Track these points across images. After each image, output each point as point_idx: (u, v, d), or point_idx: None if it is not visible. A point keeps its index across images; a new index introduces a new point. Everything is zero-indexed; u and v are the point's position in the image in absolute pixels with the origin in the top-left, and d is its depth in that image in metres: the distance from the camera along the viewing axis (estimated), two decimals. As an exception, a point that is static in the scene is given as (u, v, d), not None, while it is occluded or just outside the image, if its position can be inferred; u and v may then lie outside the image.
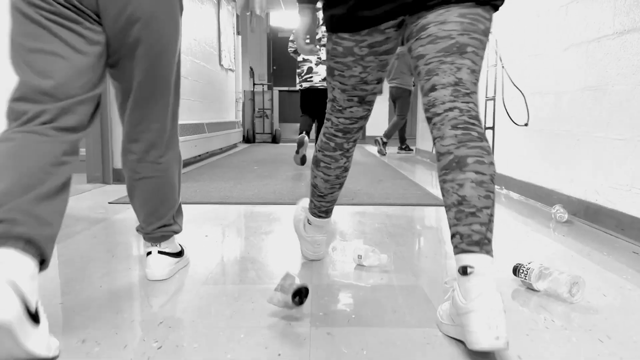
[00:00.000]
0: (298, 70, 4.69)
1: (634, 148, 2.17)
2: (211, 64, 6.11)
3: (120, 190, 3.37)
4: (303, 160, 4.54)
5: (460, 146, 1.20)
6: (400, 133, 6.91)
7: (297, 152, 4.49)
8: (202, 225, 2.38)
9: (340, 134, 1.60)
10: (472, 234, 1.14)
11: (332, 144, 1.62)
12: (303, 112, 4.77)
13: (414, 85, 6.53)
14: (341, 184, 1.71)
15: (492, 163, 1.21)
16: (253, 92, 9.14)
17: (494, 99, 3.80)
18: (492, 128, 3.83)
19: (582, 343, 1.19)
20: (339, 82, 1.48)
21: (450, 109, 1.23)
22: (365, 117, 1.57)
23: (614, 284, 1.61)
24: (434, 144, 1.28)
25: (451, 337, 1.20)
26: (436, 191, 3.51)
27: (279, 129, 9.19)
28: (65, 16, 1.22)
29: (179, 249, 1.70)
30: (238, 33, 8.12)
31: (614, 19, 2.32)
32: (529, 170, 3.19)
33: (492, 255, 1.14)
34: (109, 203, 2.92)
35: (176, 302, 1.42)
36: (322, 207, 1.74)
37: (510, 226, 2.43)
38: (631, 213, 2.18)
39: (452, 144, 1.21)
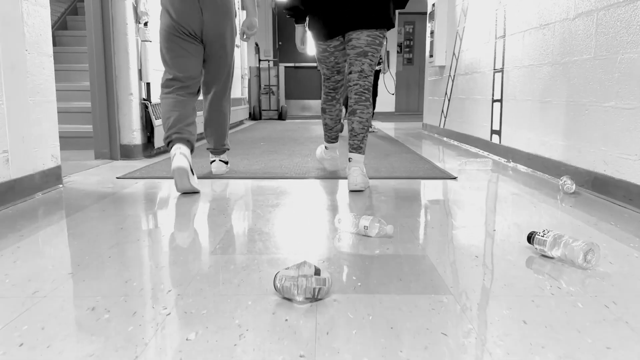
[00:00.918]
0: None
1: (644, 117, 2.14)
2: (216, 39, 6.05)
3: (128, 166, 3.39)
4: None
5: (356, 103, 2.57)
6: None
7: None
8: (210, 199, 2.39)
9: (332, 92, 2.92)
10: (354, 144, 2.57)
11: (329, 97, 2.92)
12: None
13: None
14: (339, 120, 3.02)
15: (368, 112, 2.57)
16: (259, 69, 9.08)
17: (502, 70, 3.75)
18: (500, 100, 3.79)
19: (588, 308, 1.19)
20: (324, 65, 2.81)
21: (356, 84, 2.59)
22: (342, 80, 2.87)
23: (621, 253, 1.61)
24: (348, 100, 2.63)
25: (455, 302, 1.21)
26: (443, 165, 3.50)
27: (285, 106, 9.16)
28: (187, 38, 2.59)
29: (227, 160, 3.10)
30: (242, 8, 8.02)
31: (626, -15, 2.27)
32: (537, 142, 3.16)
33: (362, 153, 2.56)
34: (117, 178, 2.94)
35: (184, 271, 1.43)
36: (331, 136, 3.08)
37: (517, 197, 2.43)
38: (640, 183, 2.17)
39: (354, 102, 2.58)
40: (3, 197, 2.19)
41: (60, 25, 6.29)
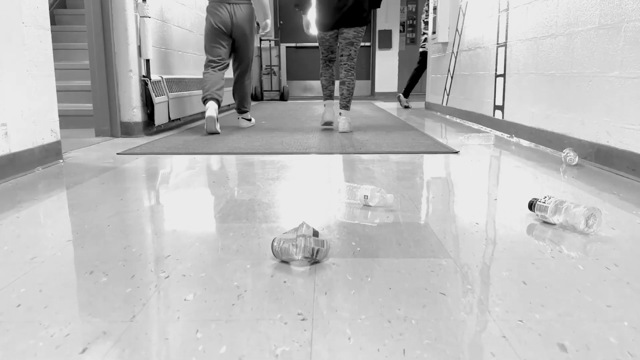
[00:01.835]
0: None
1: (648, 86, 2.11)
2: (216, 18, 5.99)
3: (129, 143, 3.38)
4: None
5: (345, 76, 3.86)
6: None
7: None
8: (210, 173, 2.38)
9: (327, 63, 4.04)
10: (342, 103, 3.90)
11: (325, 66, 4.04)
12: None
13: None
14: (332, 82, 4.07)
15: (353, 82, 3.87)
16: (260, 49, 9.00)
17: (505, 45, 3.71)
18: (503, 75, 3.75)
19: (589, 270, 1.19)
20: (323, 46, 3.97)
21: (345, 64, 3.87)
22: (334, 56, 4.01)
23: (623, 219, 1.60)
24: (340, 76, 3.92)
25: (454, 265, 1.20)
26: (445, 141, 3.47)
27: (287, 86, 9.09)
28: (221, 35, 3.81)
29: (249, 117, 4.33)
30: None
31: (632, -49, 2.22)
32: (540, 115, 3.13)
33: (348, 109, 3.90)
34: (117, 154, 2.93)
35: (184, 238, 1.43)
36: (327, 93, 4.07)
37: (519, 170, 2.41)
38: (643, 153, 2.15)
39: (343, 75, 3.86)
40: (3, 170, 2.19)
41: (59, 4, 6.23)
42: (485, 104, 4.16)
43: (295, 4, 4.01)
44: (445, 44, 5.45)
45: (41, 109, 2.50)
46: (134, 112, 3.71)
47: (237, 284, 1.12)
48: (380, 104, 7.82)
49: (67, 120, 3.94)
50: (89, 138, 3.58)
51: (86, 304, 1.02)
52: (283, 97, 8.98)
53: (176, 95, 4.28)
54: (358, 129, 4.13)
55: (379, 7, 3.86)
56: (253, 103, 8.23)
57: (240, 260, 1.26)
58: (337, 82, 8.99)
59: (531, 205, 1.60)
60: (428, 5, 6.10)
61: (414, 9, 11.53)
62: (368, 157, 2.82)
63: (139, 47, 3.73)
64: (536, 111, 3.19)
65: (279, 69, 9.18)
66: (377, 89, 11.16)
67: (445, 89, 5.47)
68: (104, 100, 3.63)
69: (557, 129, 2.91)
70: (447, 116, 5.34)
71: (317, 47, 10.16)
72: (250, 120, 4.36)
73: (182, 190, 2.03)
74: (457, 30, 5.02)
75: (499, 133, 3.79)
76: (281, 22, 9.67)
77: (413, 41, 11.70)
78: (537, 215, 1.59)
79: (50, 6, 5.67)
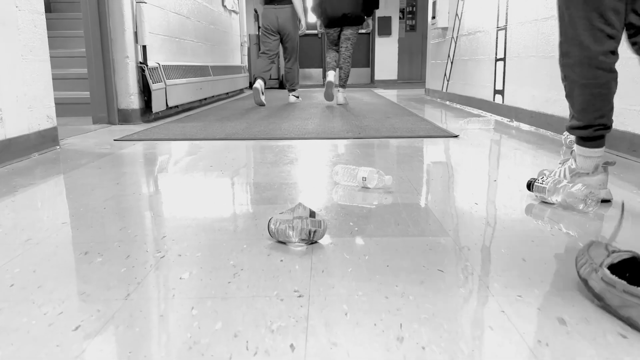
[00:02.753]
0: None
1: (650, 66, 2.09)
2: (214, 4, 5.95)
3: (126, 130, 3.36)
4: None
5: (342, 63, 5.06)
6: None
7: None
8: (207, 158, 2.36)
9: (333, 47, 5.13)
10: (340, 83, 5.09)
11: (330, 50, 5.14)
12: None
13: None
14: (337, 59, 5.07)
15: (348, 67, 5.08)
16: (258, 36, 8.93)
17: (505, 28, 3.67)
18: (503, 59, 3.72)
19: (588, 247, 1.17)
20: (328, 38, 5.12)
21: (343, 54, 5.05)
22: (337, 46, 5.09)
23: (624, 198, 1.58)
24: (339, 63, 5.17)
25: (453, 243, 1.19)
26: (445, 126, 3.45)
27: (286, 74, 9.04)
28: (271, 32, 5.18)
29: (297, 95, 5.66)
30: None
31: None
32: (540, 99, 3.11)
33: (344, 87, 5.13)
34: (115, 140, 2.91)
35: (180, 219, 1.42)
36: (332, 66, 5.05)
37: (519, 152, 2.39)
38: (644, 134, 2.13)
39: (341, 62, 5.05)
40: (-2, 156, 2.17)
41: (55, -8, 6.17)
42: (485, 88, 4.13)
43: (315, 11, 5.04)
44: (445, 29, 5.41)
45: (36, 94, 2.48)
46: (131, 99, 3.68)
47: (234, 262, 1.11)
48: (380, 91, 7.78)
49: (64, 108, 3.92)
50: (86, 125, 3.56)
51: (80, 283, 1.01)
52: (282, 85, 8.94)
53: (173, 82, 4.25)
54: (357, 115, 4.11)
55: (377, 8, 4.98)
56: (251, 91, 8.19)
57: (237, 241, 1.24)
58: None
59: (529, 186, 1.59)
60: None
61: (413, -4, 11.43)
62: (367, 141, 2.80)
63: (136, 34, 3.70)
64: (536, 94, 3.16)
65: (278, 57, 9.12)
66: (377, 77, 11.10)
67: (445, 74, 5.44)
68: (101, 87, 3.60)
69: (558, 112, 2.88)
70: (447, 102, 5.31)
71: (316, 35, 10.13)
72: (298, 97, 5.66)
73: (179, 175, 2.02)
74: (457, 14, 4.98)
75: (499, 117, 3.77)
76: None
77: (413, 28, 11.62)
78: (536, 195, 1.57)
79: (46, -6, 5.62)
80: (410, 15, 11.48)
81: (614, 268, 0.87)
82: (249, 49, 8.65)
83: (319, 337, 0.80)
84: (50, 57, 2.64)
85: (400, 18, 11.38)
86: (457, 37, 4.97)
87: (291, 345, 0.78)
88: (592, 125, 1.49)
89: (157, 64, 3.99)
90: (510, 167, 2.08)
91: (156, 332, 0.82)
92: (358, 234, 1.28)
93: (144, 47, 3.76)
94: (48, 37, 2.60)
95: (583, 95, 1.46)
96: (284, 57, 5.38)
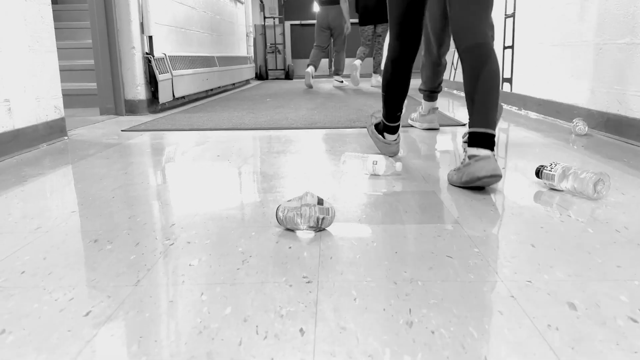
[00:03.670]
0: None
1: (661, 51, 2.06)
2: (219, -5, 5.93)
3: (134, 120, 3.36)
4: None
5: (376, 53, 6.13)
6: None
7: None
8: (215, 148, 2.37)
9: (365, 41, 6.02)
10: (374, 69, 6.22)
11: (366, 45, 6.05)
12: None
13: None
14: (365, 53, 6.08)
15: (380, 56, 6.05)
16: (264, 27, 8.91)
17: (513, 15, 3.64)
18: (512, 47, 3.68)
19: (598, 233, 1.17)
20: (362, 36, 6.05)
21: (376, 47, 6.13)
22: (372, 40, 6.04)
23: (633, 184, 1.57)
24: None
25: (461, 229, 1.19)
26: (453, 115, 3.43)
27: (292, 65, 9.02)
28: (324, 29, 6.15)
29: (341, 80, 6.33)
30: None
31: None
32: (549, 87, 3.08)
33: (377, 73, 6.14)
34: (122, 131, 2.92)
35: (188, 208, 1.42)
36: (359, 57, 6.11)
37: (528, 140, 2.38)
38: (654, 121, 2.11)
39: (375, 53, 6.14)
40: (7, 146, 2.18)
41: (61, -16, 6.17)
42: (493, 77, 4.09)
43: (360, 12, 5.94)
44: (451, 17, 5.35)
45: (44, 85, 2.49)
46: (138, 90, 3.69)
47: (242, 249, 1.11)
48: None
49: (71, 99, 3.93)
50: (94, 116, 3.57)
51: (90, 270, 1.02)
52: (288, 75, 8.91)
53: (180, 73, 4.25)
54: (364, 104, 4.09)
55: None
56: (257, 82, 8.18)
57: (245, 228, 1.25)
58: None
59: (538, 173, 1.58)
60: None
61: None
62: (374, 130, 2.78)
63: (142, 24, 3.69)
64: (545, 82, 3.14)
65: (284, 47, 9.10)
66: (383, 66, 11.02)
67: (452, 63, 5.40)
68: (108, 78, 3.61)
69: (567, 100, 2.86)
70: (455, 91, 5.27)
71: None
72: (342, 82, 6.30)
73: (186, 164, 2.02)
74: (463, 2, 4.93)
75: (507, 106, 3.74)
76: (285, -1, 9.55)
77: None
78: (544, 182, 1.56)
79: (52, -15, 5.61)
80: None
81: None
82: (254, 39, 8.63)
83: (328, 322, 0.80)
84: (57, 48, 2.64)
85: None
86: (464, 25, 4.92)
87: (301, 330, 0.78)
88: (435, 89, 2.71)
89: (164, 55, 3.99)
90: (519, 154, 2.06)
91: (166, 317, 0.82)
92: (366, 221, 1.28)
93: (150, 38, 3.76)
94: (55, 28, 2.60)
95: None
96: (335, 48, 6.40)
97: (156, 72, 3.76)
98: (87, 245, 1.15)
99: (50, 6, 2.55)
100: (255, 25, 8.67)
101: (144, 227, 1.27)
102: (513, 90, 3.66)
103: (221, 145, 2.42)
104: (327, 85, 6.65)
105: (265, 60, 9.03)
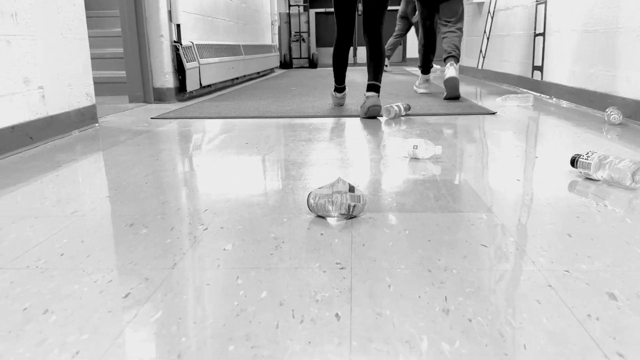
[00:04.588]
0: None
1: (702, 38, 1.99)
2: (245, -17, 5.93)
3: (162, 108, 3.40)
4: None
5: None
6: None
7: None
8: (242, 136, 2.38)
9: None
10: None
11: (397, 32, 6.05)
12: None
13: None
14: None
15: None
16: (289, 15, 8.88)
17: (545, 2, 3.55)
18: (543, 34, 3.60)
19: (637, 223, 1.14)
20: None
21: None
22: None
23: (673, 175, 1.53)
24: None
25: (495, 218, 1.17)
26: (482, 103, 3.38)
27: (317, 53, 8.99)
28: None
29: (386, 64, 6.40)
30: None
31: None
32: (582, 75, 3.01)
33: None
34: (152, 118, 2.95)
35: (220, 194, 1.43)
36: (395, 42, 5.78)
37: (560, 129, 2.33)
38: (694, 109, 2.04)
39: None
40: (41, 132, 2.23)
41: (89, -27, 6.24)
42: (523, 65, 4.02)
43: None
44: (481, 4, 5.26)
45: (76, 72, 2.53)
46: (166, 78, 3.72)
47: (275, 235, 1.12)
48: (411, 69, 7.66)
49: (101, 87, 3.99)
50: (123, 104, 3.62)
51: (127, 253, 1.04)
52: (313, 64, 8.89)
53: (207, 61, 4.27)
54: (390, 92, 4.06)
55: None
56: (281, 71, 8.18)
57: (276, 215, 1.25)
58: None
59: (573, 162, 1.55)
60: None
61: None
62: (402, 119, 2.76)
63: (170, 12, 3.72)
64: (578, 70, 3.06)
65: (308, 35, 9.06)
66: (409, 55, 10.91)
67: (480, 51, 5.31)
68: (137, 66, 3.65)
69: (600, 88, 2.79)
70: (483, 79, 5.19)
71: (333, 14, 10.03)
72: (386, 65, 6.42)
73: (215, 152, 2.04)
74: (493, -11, 4.83)
75: (537, 94, 3.67)
76: (310, -13, 9.50)
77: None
78: (580, 172, 1.53)
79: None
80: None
81: None
82: (279, 27, 8.61)
83: (364, 308, 0.80)
84: (87, 36, 2.67)
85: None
86: (493, 12, 4.83)
87: (336, 315, 0.78)
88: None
89: (191, 43, 4.01)
90: (551, 143, 2.03)
91: (203, 300, 0.84)
92: (397, 209, 1.28)
93: (178, 26, 3.78)
94: (85, 13, 2.64)
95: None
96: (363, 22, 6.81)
97: (184, 60, 3.79)
98: (122, 229, 1.18)
99: (82, -6, 2.58)
100: (280, 13, 8.65)
101: (178, 213, 1.29)
102: (544, 79, 3.59)
103: (248, 133, 2.44)
104: (349, 74, 6.60)
105: (290, 49, 9.02)
